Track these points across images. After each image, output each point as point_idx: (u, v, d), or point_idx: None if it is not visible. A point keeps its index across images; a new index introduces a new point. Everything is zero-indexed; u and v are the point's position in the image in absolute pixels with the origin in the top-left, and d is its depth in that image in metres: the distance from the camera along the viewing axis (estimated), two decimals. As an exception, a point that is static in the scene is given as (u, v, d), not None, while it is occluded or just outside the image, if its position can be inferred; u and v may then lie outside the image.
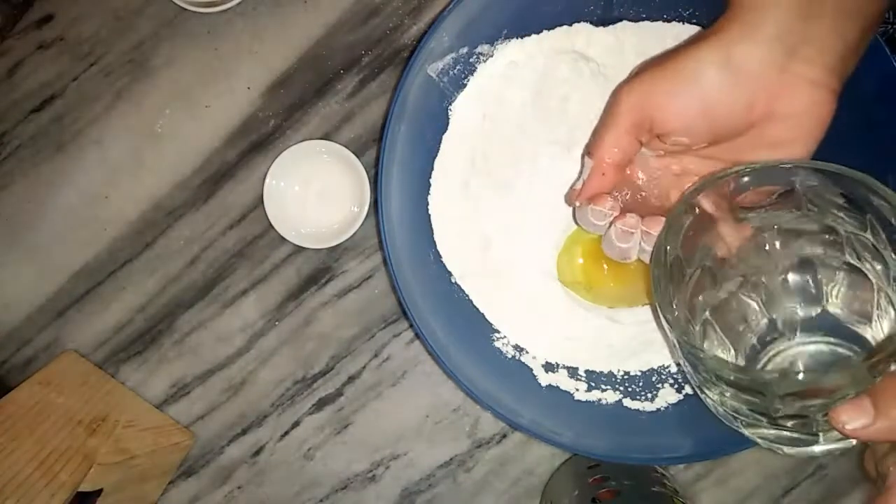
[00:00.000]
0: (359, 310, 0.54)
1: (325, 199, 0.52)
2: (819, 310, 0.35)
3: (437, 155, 0.46)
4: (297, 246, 0.52)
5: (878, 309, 0.33)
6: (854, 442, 0.31)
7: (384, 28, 0.52)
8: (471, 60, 0.45)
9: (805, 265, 0.35)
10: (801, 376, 0.30)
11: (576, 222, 0.42)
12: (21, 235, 0.54)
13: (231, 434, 0.55)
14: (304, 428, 0.54)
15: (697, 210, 0.36)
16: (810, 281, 0.35)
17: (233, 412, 0.54)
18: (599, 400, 0.46)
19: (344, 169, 0.51)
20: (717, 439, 0.43)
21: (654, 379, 0.46)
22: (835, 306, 0.35)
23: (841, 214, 0.34)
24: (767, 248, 0.36)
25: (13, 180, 0.53)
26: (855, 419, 0.28)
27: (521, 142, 0.45)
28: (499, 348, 0.47)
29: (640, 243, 0.38)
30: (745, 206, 0.36)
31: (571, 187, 0.41)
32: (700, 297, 0.36)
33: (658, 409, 0.46)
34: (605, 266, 0.44)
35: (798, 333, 0.35)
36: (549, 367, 0.47)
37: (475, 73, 0.45)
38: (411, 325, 0.52)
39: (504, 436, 0.54)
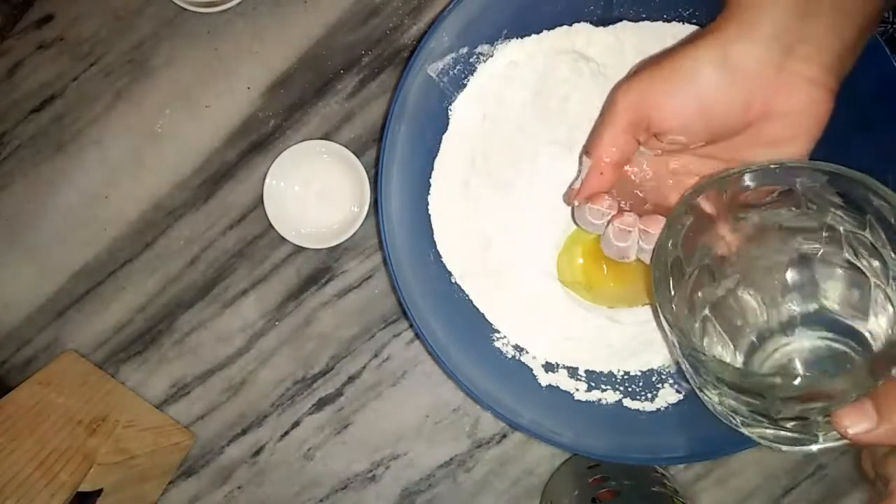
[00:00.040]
0: (359, 310, 0.54)
1: (325, 199, 0.52)
2: (816, 306, 0.35)
3: (437, 155, 0.46)
4: (297, 246, 0.52)
5: (875, 305, 0.33)
6: None
7: (384, 28, 0.52)
8: (471, 60, 0.45)
9: (803, 262, 0.36)
10: (801, 381, 0.29)
11: (575, 222, 0.42)
12: (21, 235, 0.54)
13: (231, 434, 0.55)
14: (304, 428, 0.54)
15: (697, 211, 0.37)
16: (808, 277, 0.35)
17: (233, 412, 0.54)
18: (599, 400, 0.46)
19: (344, 169, 0.51)
20: (717, 439, 0.43)
21: (654, 379, 0.46)
22: (832, 302, 0.35)
23: (839, 213, 0.34)
24: (766, 245, 0.36)
25: (13, 180, 0.53)
26: (857, 423, 0.28)
27: (521, 142, 0.45)
28: (499, 348, 0.47)
29: (638, 242, 0.38)
30: (744, 205, 0.36)
31: (570, 187, 0.41)
32: (699, 294, 0.37)
33: (658, 409, 0.46)
34: (605, 266, 0.44)
35: (796, 329, 0.35)
36: (549, 367, 0.47)
37: (475, 73, 0.45)
38: (411, 325, 0.52)
39: (504, 436, 0.54)
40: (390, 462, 0.55)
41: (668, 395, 0.46)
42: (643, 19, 0.44)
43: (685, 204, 0.36)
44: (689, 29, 0.43)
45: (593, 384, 0.46)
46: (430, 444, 0.54)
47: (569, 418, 0.46)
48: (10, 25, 0.52)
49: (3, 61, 0.53)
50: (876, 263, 0.33)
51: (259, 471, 0.55)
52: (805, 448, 0.32)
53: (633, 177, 0.40)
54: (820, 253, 0.35)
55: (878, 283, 0.33)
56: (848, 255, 0.34)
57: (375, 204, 0.45)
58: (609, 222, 0.38)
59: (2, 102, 0.53)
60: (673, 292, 0.36)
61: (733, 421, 0.34)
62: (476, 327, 0.47)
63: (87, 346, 0.54)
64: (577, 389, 0.46)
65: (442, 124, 0.46)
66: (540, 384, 0.47)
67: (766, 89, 0.33)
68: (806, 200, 0.35)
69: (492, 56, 0.45)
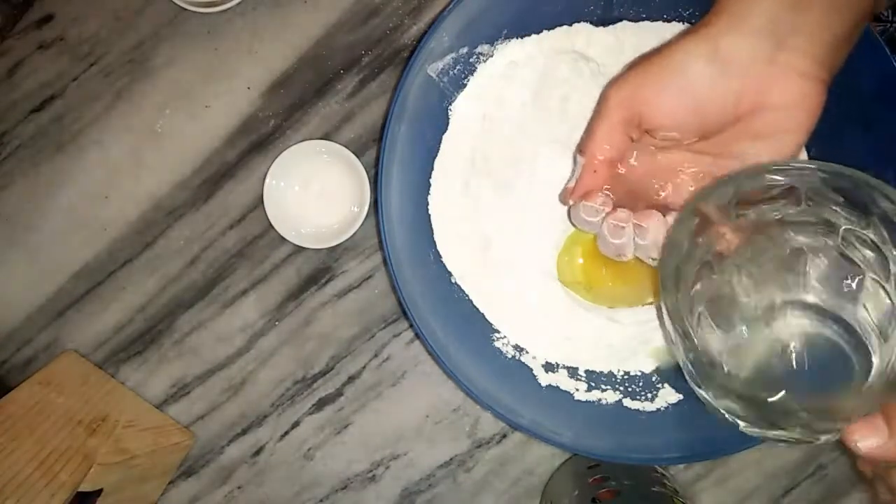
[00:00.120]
0: (359, 310, 0.54)
1: (325, 199, 0.52)
2: (806, 295, 0.36)
3: (437, 155, 0.46)
4: (297, 246, 0.52)
5: (865, 293, 0.34)
6: None
7: (384, 28, 0.52)
8: (471, 60, 0.45)
9: (796, 252, 0.36)
10: (806, 400, 0.30)
11: (571, 222, 0.42)
12: (21, 235, 0.54)
13: (231, 434, 0.55)
14: (304, 428, 0.54)
15: (701, 213, 0.37)
16: (801, 267, 0.36)
17: (233, 412, 0.54)
18: (599, 400, 0.46)
19: (344, 169, 0.51)
20: (717, 439, 0.43)
21: (654, 379, 0.46)
22: (821, 291, 0.35)
23: (838, 210, 0.34)
24: (763, 238, 0.37)
25: (13, 180, 0.53)
26: (867, 438, 0.28)
27: (521, 142, 0.45)
28: (499, 348, 0.47)
29: (633, 239, 0.38)
30: (745, 202, 0.37)
31: (565, 186, 0.41)
32: (698, 287, 0.37)
33: (658, 409, 0.46)
34: (605, 266, 0.44)
35: (786, 316, 0.36)
36: (549, 367, 0.47)
37: (475, 73, 0.45)
38: (411, 325, 0.52)
39: (504, 436, 0.54)
40: (390, 462, 0.55)
41: (668, 395, 0.46)
42: (643, 19, 0.44)
43: (690, 209, 0.37)
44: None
45: (593, 384, 0.46)
46: (430, 444, 0.54)
47: (569, 418, 0.46)
48: (10, 25, 0.52)
49: (3, 61, 0.53)
50: (869, 254, 0.33)
51: (259, 471, 0.55)
52: (805, 444, 0.32)
53: (626, 174, 0.40)
54: (813, 243, 0.35)
55: (874, 276, 0.33)
56: (841, 245, 0.34)
57: (375, 204, 0.45)
58: (604, 220, 0.38)
59: (2, 102, 0.53)
60: (678, 293, 0.36)
61: (732, 421, 0.34)
62: (476, 327, 0.47)
63: (87, 346, 0.54)
64: (577, 389, 0.46)
65: (442, 124, 0.46)
66: (540, 384, 0.47)
67: (758, 82, 0.33)
68: (806, 199, 0.35)
69: (492, 56, 0.45)
